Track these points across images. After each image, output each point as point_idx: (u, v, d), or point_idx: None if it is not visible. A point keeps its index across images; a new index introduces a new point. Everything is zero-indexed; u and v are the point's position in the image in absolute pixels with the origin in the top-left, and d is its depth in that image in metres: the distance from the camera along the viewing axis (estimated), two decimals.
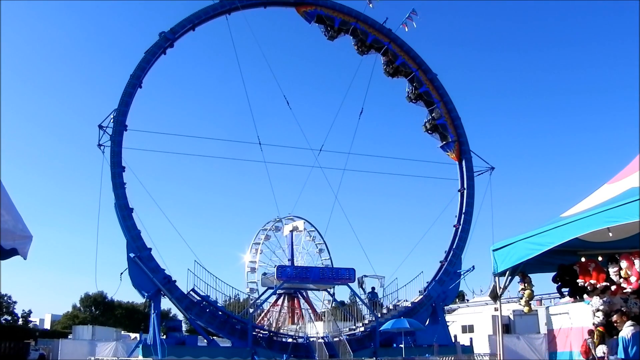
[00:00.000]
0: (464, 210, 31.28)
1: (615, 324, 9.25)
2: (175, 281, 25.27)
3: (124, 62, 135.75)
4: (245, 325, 25.81)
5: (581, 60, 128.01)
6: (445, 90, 32.90)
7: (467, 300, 48.51)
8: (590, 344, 10.81)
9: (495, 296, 9.85)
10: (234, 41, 30.54)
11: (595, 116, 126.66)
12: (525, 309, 9.75)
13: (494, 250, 9.28)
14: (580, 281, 9.24)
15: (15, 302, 66.11)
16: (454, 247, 30.64)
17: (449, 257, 30.47)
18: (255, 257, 51.81)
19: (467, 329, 36.50)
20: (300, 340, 28.06)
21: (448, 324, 30.90)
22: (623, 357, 8.53)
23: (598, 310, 10.10)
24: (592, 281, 9.12)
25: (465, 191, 31.55)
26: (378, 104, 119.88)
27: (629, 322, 8.78)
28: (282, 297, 46.58)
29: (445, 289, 29.80)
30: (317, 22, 31.29)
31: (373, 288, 30.40)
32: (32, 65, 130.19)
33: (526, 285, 9.45)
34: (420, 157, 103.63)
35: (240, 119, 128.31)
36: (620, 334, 8.82)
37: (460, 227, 30.92)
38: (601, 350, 10.12)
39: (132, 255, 24.32)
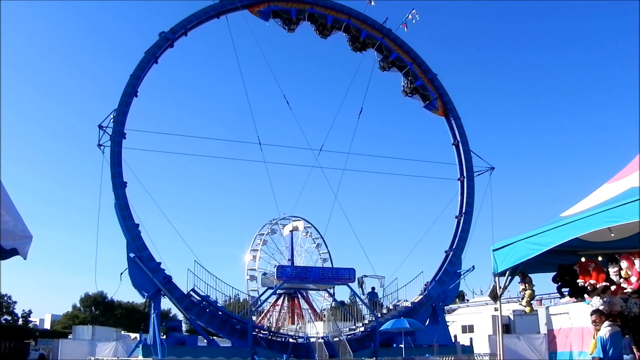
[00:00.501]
0: (464, 211, 31.26)
1: (593, 324, 9.25)
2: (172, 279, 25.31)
3: (124, 62, 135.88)
4: (245, 325, 25.82)
5: (581, 60, 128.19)
6: (440, 83, 33.02)
7: (467, 300, 48.55)
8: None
9: (495, 296, 9.84)
10: (234, 41, 30.56)
11: (595, 116, 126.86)
12: (527, 309, 9.74)
13: (494, 250, 9.27)
14: (580, 281, 9.23)
15: (15, 302, 66.21)
16: (453, 246, 30.66)
17: (449, 257, 30.50)
18: (254, 264, 51.71)
19: (467, 329, 36.51)
20: (300, 340, 28.08)
21: (448, 324, 30.91)
22: (602, 356, 8.64)
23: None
24: (592, 281, 9.11)
25: (465, 180, 31.53)
26: (378, 104, 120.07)
27: (607, 323, 8.89)
28: (282, 297, 46.59)
29: (445, 289, 29.81)
30: (274, 17, 30.80)
31: (373, 288, 30.46)
32: (32, 65, 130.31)
33: (527, 285, 9.44)
34: (420, 157, 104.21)
35: (240, 119, 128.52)
36: (599, 334, 8.91)
37: (460, 227, 30.93)
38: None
39: (132, 255, 24.32)
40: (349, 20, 31.44)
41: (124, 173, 25.62)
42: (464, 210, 31.12)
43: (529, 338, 29.17)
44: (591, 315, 9.36)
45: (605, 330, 8.76)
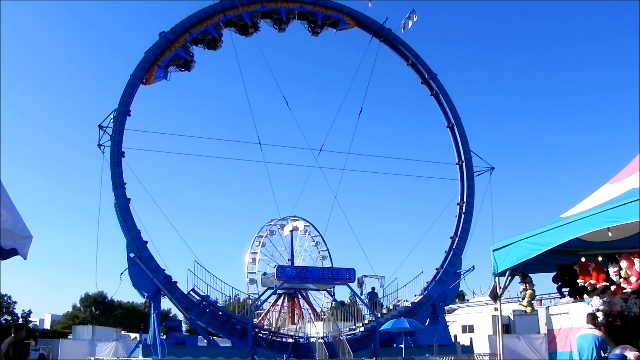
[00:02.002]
0: (464, 211, 31.26)
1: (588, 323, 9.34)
2: (175, 282, 25.29)
3: (124, 62, 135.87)
4: (245, 325, 25.82)
5: (581, 60, 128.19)
6: (440, 83, 32.98)
7: (467, 300, 48.52)
8: None
9: (495, 296, 9.86)
10: (233, 41, 30.44)
11: (596, 116, 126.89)
12: (528, 309, 9.77)
13: (494, 250, 9.29)
14: (580, 281, 9.24)
15: (15, 302, 66.21)
16: (454, 247, 30.65)
17: (449, 257, 30.49)
18: (257, 248, 51.73)
19: (467, 329, 36.50)
20: (300, 340, 28.07)
21: (448, 324, 30.91)
22: (596, 356, 8.78)
23: (598, 310, 10.09)
24: (592, 281, 9.13)
25: (464, 204, 31.44)
26: (378, 104, 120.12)
27: (588, 326, 9.00)
28: (282, 297, 46.60)
29: (445, 289, 29.81)
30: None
31: (373, 288, 30.45)
32: (32, 65, 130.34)
33: (527, 285, 9.46)
34: (420, 157, 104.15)
35: (240, 119, 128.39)
36: (578, 334, 9.15)
37: (460, 227, 30.92)
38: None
39: (132, 255, 24.32)
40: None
41: (124, 173, 25.65)
42: (462, 219, 31.10)
43: (529, 338, 29.15)
44: (612, 315, 9.47)
45: (586, 332, 8.93)
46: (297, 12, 30.29)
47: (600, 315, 10.10)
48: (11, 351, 10.95)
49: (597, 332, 8.90)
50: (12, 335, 11.38)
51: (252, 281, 49.87)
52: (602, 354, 8.75)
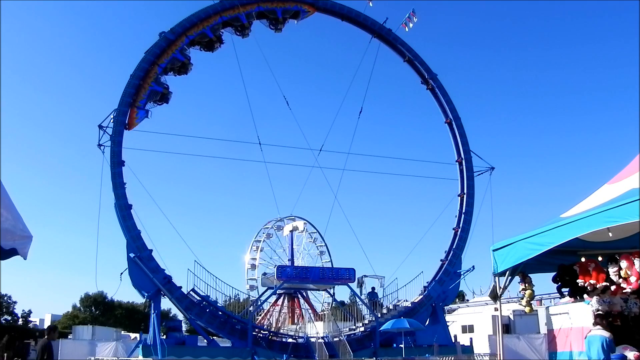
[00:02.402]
0: (464, 210, 31.28)
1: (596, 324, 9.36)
2: (181, 287, 25.31)
3: (124, 62, 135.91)
4: (245, 325, 25.83)
5: (581, 59, 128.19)
6: (440, 83, 32.98)
7: (467, 300, 48.51)
8: None
9: (495, 296, 9.87)
10: (233, 41, 30.44)
11: (596, 116, 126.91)
12: (527, 309, 9.76)
13: (494, 250, 9.28)
14: (580, 281, 9.24)
15: (15, 302, 66.25)
16: (454, 247, 30.65)
17: (449, 257, 30.49)
18: (255, 254, 51.76)
19: (467, 329, 36.48)
20: (300, 340, 28.08)
21: (448, 324, 30.91)
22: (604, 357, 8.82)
23: (598, 310, 10.10)
24: (592, 281, 9.12)
25: (465, 195, 31.51)
26: (378, 104, 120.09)
27: (596, 327, 9.10)
28: (282, 297, 46.59)
29: (445, 289, 29.81)
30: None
31: (373, 288, 30.45)
32: (32, 65, 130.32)
33: (527, 285, 9.46)
34: (420, 157, 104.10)
35: (240, 119, 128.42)
36: (586, 334, 9.20)
37: (460, 227, 30.92)
38: None
39: (132, 255, 24.32)
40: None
41: (124, 173, 25.64)
42: (462, 218, 31.06)
43: (529, 338, 29.14)
44: (611, 315, 9.48)
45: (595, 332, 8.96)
46: (256, 12, 29.67)
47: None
48: (45, 352, 10.99)
49: (605, 333, 8.91)
50: (46, 336, 11.43)
51: (252, 287, 49.76)
52: (610, 355, 8.78)
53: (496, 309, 29.25)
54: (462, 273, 30.20)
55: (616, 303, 9.72)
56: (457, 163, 32.50)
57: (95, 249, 41.08)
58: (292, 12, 30.48)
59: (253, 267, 51.85)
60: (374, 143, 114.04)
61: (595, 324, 9.19)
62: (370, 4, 32.13)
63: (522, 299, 9.56)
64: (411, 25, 31.94)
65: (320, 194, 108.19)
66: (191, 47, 28.62)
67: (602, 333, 8.91)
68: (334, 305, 41.60)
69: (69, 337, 44.65)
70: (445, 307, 32.15)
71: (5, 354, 11.68)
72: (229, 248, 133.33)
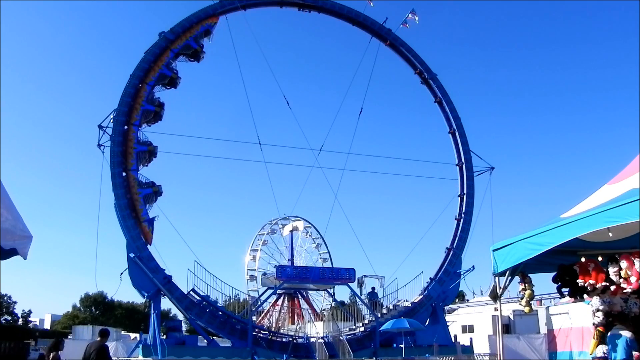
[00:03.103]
0: (464, 210, 31.29)
1: (613, 324, 9.36)
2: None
3: (124, 62, 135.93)
4: (245, 325, 25.83)
5: (581, 59, 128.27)
6: (440, 83, 32.99)
7: (467, 300, 48.53)
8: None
9: (495, 296, 9.85)
10: (233, 41, 30.44)
11: (596, 116, 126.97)
12: (526, 309, 9.73)
13: (494, 250, 9.27)
14: (580, 281, 9.23)
15: (15, 302, 66.34)
16: (454, 246, 30.66)
17: (449, 257, 30.50)
18: (254, 264, 51.68)
19: (467, 329, 36.48)
20: (300, 340, 28.08)
21: (448, 324, 30.91)
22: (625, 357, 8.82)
23: (598, 310, 10.08)
24: (592, 281, 9.11)
25: (465, 195, 31.53)
26: (378, 104, 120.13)
27: (618, 326, 9.12)
28: (282, 297, 46.57)
29: (445, 289, 29.81)
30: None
31: (373, 288, 30.46)
32: (32, 65, 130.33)
33: (526, 285, 9.43)
34: (420, 157, 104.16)
35: (240, 119, 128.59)
36: (609, 333, 9.24)
37: (460, 227, 30.93)
38: (601, 350, 10.13)
39: (132, 255, 24.34)
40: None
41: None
42: (462, 217, 31.04)
43: (529, 338, 29.14)
44: (612, 315, 9.49)
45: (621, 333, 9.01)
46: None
47: (600, 315, 10.11)
48: (98, 355, 10.96)
49: (627, 333, 8.95)
50: (99, 339, 11.43)
51: (252, 278, 49.86)
52: (632, 354, 8.82)
53: (496, 309, 29.26)
54: (462, 273, 30.21)
55: (616, 303, 9.70)
56: (457, 167, 32.57)
57: (95, 249, 41.25)
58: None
59: (254, 258, 51.80)
60: (374, 143, 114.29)
61: (615, 323, 9.23)
62: (371, 4, 32.16)
63: (522, 299, 9.54)
64: (416, 19, 31.89)
65: (320, 194, 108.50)
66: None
67: (624, 332, 8.96)
68: (334, 305, 41.59)
69: (69, 337, 44.69)
70: (445, 307, 32.14)
71: (51, 355, 11.60)
72: (229, 248, 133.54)
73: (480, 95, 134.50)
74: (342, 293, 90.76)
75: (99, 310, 75.83)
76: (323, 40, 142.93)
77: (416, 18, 31.77)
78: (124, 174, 25.63)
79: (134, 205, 25.56)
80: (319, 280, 28.94)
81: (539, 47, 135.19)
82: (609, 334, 9.22)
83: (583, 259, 9.34)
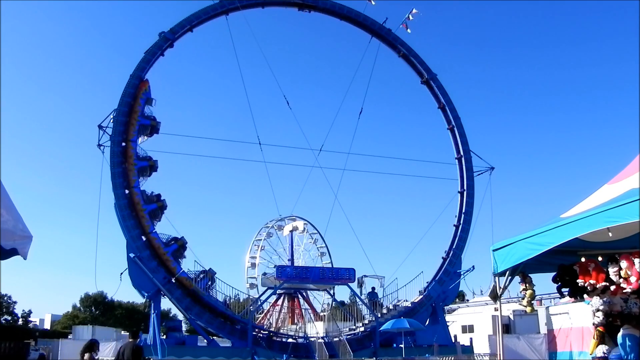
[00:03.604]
0: (463, 210, 31.28)
1: (615, 324, 9.36)
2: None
3: (124, 62, 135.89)
4: (245, 325, 25.83)
5: (581, 59, 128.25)
6: (440, 83, 32.97)
7: (467, 300, 48.55)
8: None
9: (495, 296, 9.84)
10: (233, 41, 30.52)
11: (596, 116, 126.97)
12: (528, 309, 9.74)
13: (494, 250, 9.26)
14: (580, 281, 9.22)
15: (15, 302, 66.30)
16: (453, 247, 30.64)
17: (449, 257, 30.48)
18: (253, 271, 51.63)
19: (467, 329, 36.50)
20: (300, 340, 28.08)
21: (448, 324, 30.91)
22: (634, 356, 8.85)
23: (598, 310, 10.08)
24: (592, 281, 9.11)
25: (465, 192, 31.55)
26: (378, 104, 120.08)
27: (627, 326, 9.08)
28: (282, 297, 46.55)
29: (445, 289, 29.81)
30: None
31: (373, 288, 30.45)
32: (32, 64, 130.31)
33: (527, 285, 9.43)
34: (420, 157, 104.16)
35: (240, 119, 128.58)
36: (619, 333, 9.18)
37: (460, 227, 30.91)
38: (601, 350, 10.13)
39: (132, 255, 24.34)
40: None
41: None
42: (462, 217, 31.01)
43: (529, 338, 29.13)
44: (612, 315, 9.49)
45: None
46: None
47: (600, 315, 10.11)
48: (132, 355, 10.93)
49: (637, 332, 8.96)
50: (131, 340, 11.41)
51: (252, 286, 49.72)
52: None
53: (496, 309, 29.23)
54: (462, 273, 30.21)
55: (616, 303, 9.69)
56: (456, 160, 32.52)
57: (95, 249, 41.29)
58: None
59: (253, 265, 51.77)
60: (374, 143, 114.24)
61: (622, 322, 9.24)
62: (373, 3, 32.12)
63: (523, 299, 9.54)
64: (410, 17, 31.86)
65: (320, 194, 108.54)
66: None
67: (634, 332, 8.97)
68: (334, 305, 41.59)
69: (69, 337, 44.71)
70: (445, 307, 32.14)
71: (86, 355, 11.55)
72: (229, 248, 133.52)
73: (480, 94, 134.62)
74: (342, 293, 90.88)
75: (99, 310, 75.80)
76: (323, 40, 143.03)
77: (410, 17, 31.69)
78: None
79: (140, 222, 25.22)
80: (319, 280, 28.95)
81: (539, 46, 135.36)
82: (620, 333, 9.19)
83: (583, 259, 9.34)
